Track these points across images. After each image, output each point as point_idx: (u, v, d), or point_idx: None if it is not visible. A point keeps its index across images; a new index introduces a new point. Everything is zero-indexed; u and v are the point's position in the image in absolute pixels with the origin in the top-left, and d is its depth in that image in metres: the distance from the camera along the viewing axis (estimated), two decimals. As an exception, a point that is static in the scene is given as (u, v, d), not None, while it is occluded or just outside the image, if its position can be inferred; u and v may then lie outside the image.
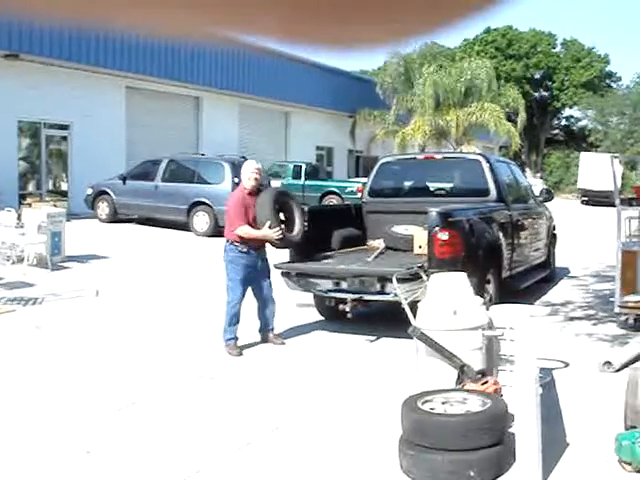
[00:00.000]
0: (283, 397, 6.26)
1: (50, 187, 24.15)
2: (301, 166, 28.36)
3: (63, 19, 0.48)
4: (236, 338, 7.72)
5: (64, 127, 23.63)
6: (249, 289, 7.89)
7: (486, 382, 5.35)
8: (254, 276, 7.82)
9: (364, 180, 15.01)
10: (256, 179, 7.87)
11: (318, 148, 36.42)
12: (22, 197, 21.20)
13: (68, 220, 14.79)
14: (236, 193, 8.17)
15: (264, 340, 8.04)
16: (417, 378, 5.45)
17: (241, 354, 7.62)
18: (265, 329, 8.04)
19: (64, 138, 23.98)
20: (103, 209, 20.85)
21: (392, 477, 4.54)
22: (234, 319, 7.71)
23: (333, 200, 25.94)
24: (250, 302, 7.91)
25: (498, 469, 4.48)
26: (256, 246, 7.79)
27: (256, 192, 7.90)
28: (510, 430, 4.63)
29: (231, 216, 7.86)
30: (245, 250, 7.72)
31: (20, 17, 0.48)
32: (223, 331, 7.72)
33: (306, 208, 9.25)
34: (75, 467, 4.70)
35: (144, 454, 4.92)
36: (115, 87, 24.76)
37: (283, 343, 7.99)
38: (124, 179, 20.53)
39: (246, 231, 7.64)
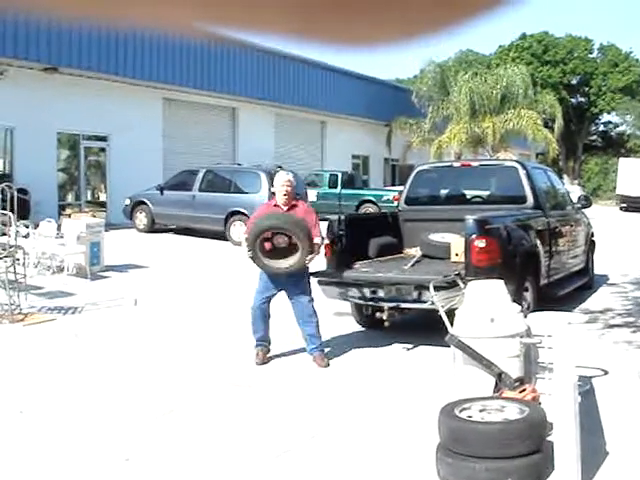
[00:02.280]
0: (321, 405, 6.27)
1: (89, 198, 24.45)
2: (337, 175, 28.39)
3: (67, 15, 0.49)
4: (260, 345, 7.67)
5: (102, 139, 23.92)
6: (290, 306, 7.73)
7: (524, 390, 5.31)
8: (281, 288, 7.63)
9: (400, 188, 14.99)
10: (287, 192, 7.67)
11: (354, 157, 36.44)
12: (62, 208, 21.49)
13: (106, 230, 14.95)
14: (265, 203, 8.19)
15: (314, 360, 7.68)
16: (454, 386, 5.43)
17: (264, 363, 7.56)
18: (308, 351, 7.72)
19: (102, 149, 24.26)
20: (141, 219, 21.03)
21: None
22: (253, 327, 7.67)
23: (369, 209, 25.91)
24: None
25: (536, 477, 4.45)
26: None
27: (288, 204, 7.68)
28: (549, 438, 4.60)
29: (250, 219, 8.08)
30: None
31: (24, 13, 0.49)
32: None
33: (343, 216, 9.27)
34: (114, 474, 4.75)
35: (182, 462, 4.96)
36: (152, 98, 25.01)
37: (327, 365, 7.56)
38: (162, 189, 20.70)
39: (242, 241, 7.79)
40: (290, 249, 7.41)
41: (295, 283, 7.59)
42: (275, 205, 7.75)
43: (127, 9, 0.51)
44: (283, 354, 7.92)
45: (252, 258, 7.45)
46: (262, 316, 7.62)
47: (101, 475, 4.75)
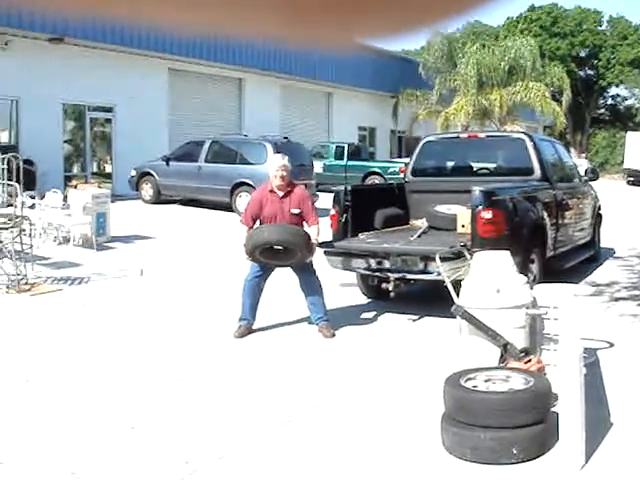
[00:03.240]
0: (325, 375, 6.29)
1: (95, 169, 24.42)
2: (343, 146, 28.35)
3: (62, 8, 0.48)
4: (244, 320, 7.54)
5: (108, 110, 23.84)
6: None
7: (529, 361, 5.32)
8: (271, 268, 7.62)
9: (406, 160, 14.94)
10: (282, 177, 7.48)
11: (360, 128, 36.31)
12: (67, 179, 21.46)
13: (112, 201, 14.96)
14: (260, 187, 7.97)
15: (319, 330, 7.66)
16: (460, 356, 5.43)
17: (242, 336, 7.42)
18: (314, 321, 7.68)
19: (108, 120, 24.19)
20: (147, 190, 21.01)
21: (434, 454, 4.55)
22: (242, 299, 7.56)
23: (376, 180, 25.90)
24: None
25: (541, 447, 4.47)
26: None
27: (284, 190, 7.52)
28: (553, 409, 4.61)
29: (245, 207, 7.99)
30: None
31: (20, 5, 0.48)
32: None
33: (349, 187, 9.25)
34: (119, 442, 4.78)
35: (188, 431, 4.98)
36: (158, 69, 24.89)
37: (333, 335, 7.53)
38: (167, 160, 20.66)
39: (243, 230, 7.56)
40: (289, 252, 7.34)
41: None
42: (270, 191, 7.54)
43: (114, 6, 0.51)
44: (288, 323, 7.93)
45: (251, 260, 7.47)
46: (252, 291, 7.52)
47: (106, 442, 4.77)
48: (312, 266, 7.63)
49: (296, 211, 7.50)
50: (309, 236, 7.38)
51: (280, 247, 7.32)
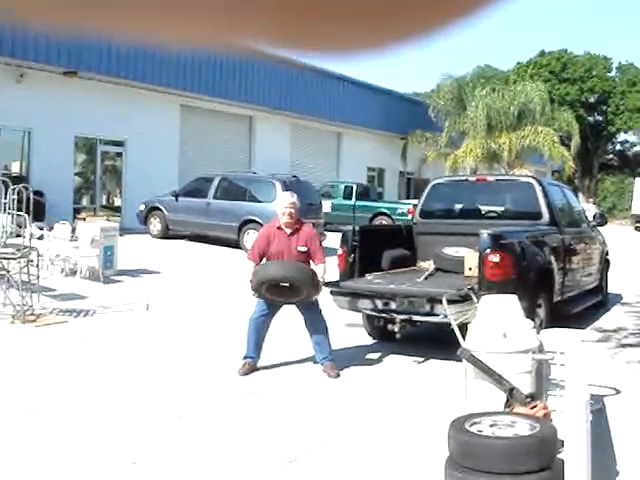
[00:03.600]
0: (329, 415, 6.25)
1: (104, 202, 24.54)
2: (352, 186, 28.45)
3: (61, 25, 0.48)
4: (247, 358, 7.53)
5: (119, 143, 24.02)
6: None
7: (535, 406, 5.27)
8: (278, 306, 7.59)
9: (415, 202, 14.98)
10: (290, 214, 7.49)
11: (369, 169, 36.45)
12: (76, 211, 21.55)
13: (121, 235, 14.99)
14: (268, 224, 7.97)
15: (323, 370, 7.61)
16: (465, 400, 5.39)
17: (246, 374, 7.41)
18: (318, 360, 7.65)
19: (119, 154, 24.36)
20: (155, 225, 21.07)
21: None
22: (247, 337, 7.54)
23: (383, 221, 25.93)
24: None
25: (546, 495, 4.41)
26: None
27: (292, 227, 7.53)
28: (559, 455, 4.56)
29: (253, 244, 7.97)
30: None
31: (20, 24, 0.48)
32: None
33: (357, 227, 9.26)
34: (120, 477, 4.74)
35: (189, 467, 4.94)
36: (170, 105, 25.11)
37: (338, 375, 7.48)
38: (176, 196, 20.74)
39: (251, 266, 7.53)
40: (295, 289, 7.31)
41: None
42: (278, 227, 7.55)
43: (109, 18, 0.50)
44: (293, 362, 7.90)
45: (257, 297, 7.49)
46: (257, 329, 7.52)
47: (108, 477, 4.74)
48: (318, 305, 7.59)
49: (303, 249, 7.47)
50: (315, 274, 7.36)
51: (286, 284, 7.25)
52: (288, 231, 7.49)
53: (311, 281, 7.28)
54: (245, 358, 7.52)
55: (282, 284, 7.29)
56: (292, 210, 7.47)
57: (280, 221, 7.54)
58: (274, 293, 7.33)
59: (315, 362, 7.68)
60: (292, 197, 7.68)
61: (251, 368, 7.50)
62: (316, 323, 7.54)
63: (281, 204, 7.64)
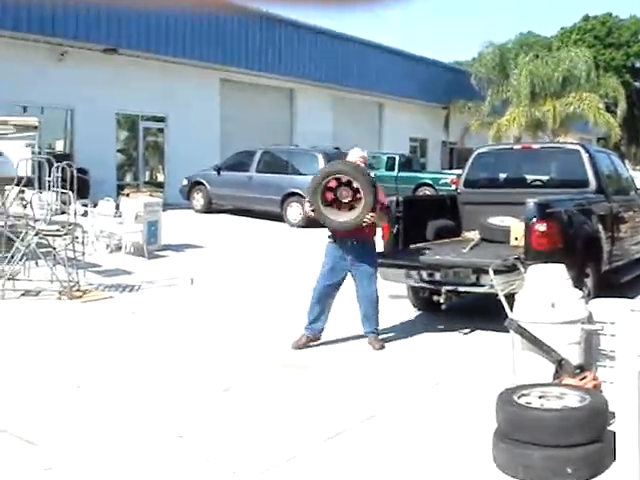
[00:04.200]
0: (375, 388, 6.22)
1: (147, 178, 24.74)
2: (395, 157, 28.28)
3: None
4: (308, 329, 7.45)
5: (160, 119, 24.16)
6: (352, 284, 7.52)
7: (585, 377, 5.19)
8: (345, 269, 7.41)
9: (458, 172, 14.82)
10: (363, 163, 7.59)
11: (412, 140, 36.23)
12: (120, 187, 21.73)
13: (164, 210, 15.07)
14: None
15: (369, 342, 7.51)
16: (513, 372, 5.33)
17: (301, 348, 7.34)
18: (364, 332, 7.54)
19: (160, 130, 24.48)
20: (198, 200, 21.18)
21: (486, 471, 4.45)
22: (311, 308, 7.46)
23: (427, 192, 25.75)
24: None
25: (596, 468, 4.34)
26: (342, 234, 7.38)
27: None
28: (610, 428, 4.48)
29: None
30: (331, 238, 7.49)
31: None
32: None
33: (401, 198, 9.17)
34: (167, 450, 4.76)
35: (236, 440, 4.95)
36: (210, 79, 25.14)
37: (382, 347, 7.42)
38: (219, 170, 20.81)
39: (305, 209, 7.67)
40: (352, 204, 7.22)
41: (362, 260, 7.40)
42: None
43: None
44: (339, 334, 7.86)
45: (313, 209, 7.37)
46: (320, 301, 7.44)
47: (154, 450, 4.76)
48: (375, 273, 7.54)
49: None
50: (376, 187, 7.35)
51: (346, 183, 7.21)
52: None
53: (371, 186, 7.19)
54: (306, 329, 7.48)
55: (342, 183, 7.22)
56: (362, 164, 7.54)
57: None
58: (331, 206, 7.28)
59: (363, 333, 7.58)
60: (363, 151, 7.77)
61: (308, 341, 7.43)
62: (369, 295, 7.40)
63: (352, 157, 7.63)
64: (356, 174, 7.21)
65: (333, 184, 7.25)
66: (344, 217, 7.24)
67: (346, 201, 7.24)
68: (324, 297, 7.44)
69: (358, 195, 7.18)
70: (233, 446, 4.85)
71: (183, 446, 4.84)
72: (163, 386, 6.16)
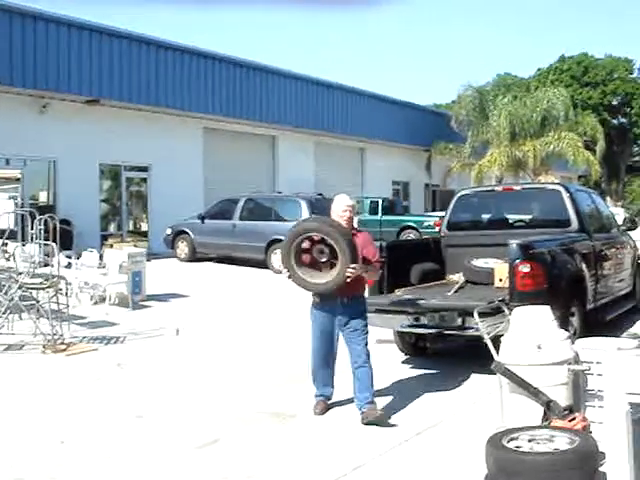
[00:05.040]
0: (364, 435, 6.17)
1: (130, 228, 24.67)
2: (378, 201, 28.43)
3: None
4: (321, 396, 6.87)
5: (143, 169, 24.18)
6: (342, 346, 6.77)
7: (574, 419, 5.16)
8: (335, 330, 6.67)
9: (441, 214, 14.89)
10: (348, 219, 6.69)
11: (394, 183, 36.40)
12: (104, 238, 21.68)
13: (148, 260, 15.03)
14: None
15: (362, 417, 6.49)
16: (501, 415, 5.30)
17: (322, 413, 6.73)
18: (362, 403, 6.56)
19: (144, 180, 24.50)
20: (182, 248, 21.15)
21: None
22: (315, 374, 6.88)
23: (411, 235, 25.83)
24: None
25: (589, 510, 4.31)
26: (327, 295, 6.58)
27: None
28: (600, 469, 4.45)
29: None
30: (316, 297, 6.73)
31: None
32: None
33: (384, 243, 9.19)
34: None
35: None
36: (193, 128, 25.27)
37: (379, 415, 6.45)
38: (202, 218, 20.84)
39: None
40: (333, 261, 6.42)
41: (353, 318, 6.65)
42: None
43: None
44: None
45: (287, 269, 6.58)
46: (322, 364, 6.82)
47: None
48: (367, 332, 6.78)
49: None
50: (356, 244, 6.48)
51: (320, 242, 6.41)
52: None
53: (349, 242, 6.38)
54: (318, 397, 6.91)
55: (316, 241, 6.44)
56: (350, 214, 6.73)
57: None
58: (308, 267, 6.53)
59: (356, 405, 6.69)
60: (349, 200, 6.91)
61: (325, 405, 6.87)
62: (362, 356, 6.62)
63: (338, 207, 6.77)
64: (326, 229, 6.43)
65: (307, 244, 6.52)
66: (325, 277, 6.47)
67: (324, 260, 6.47)
68: (325, 362, 6.82)
69: (335, 255, 6.41)
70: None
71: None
72: (151, 439, 6.09)
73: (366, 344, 6.69)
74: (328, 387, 6.91)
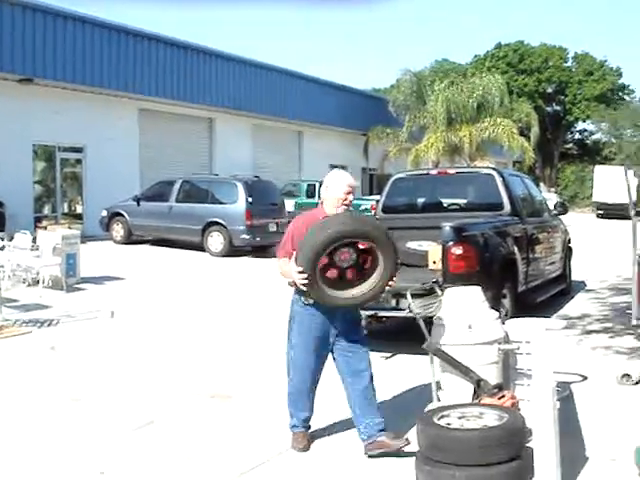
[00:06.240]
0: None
1: (65, 210, 24.28)
2: (315, 185, 28.47)
3: None
4: (303, 427, 5.46)
5: (78, 150, 23.80)
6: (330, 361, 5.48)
7: (503, 396, 5.29)
8: (329, 339, 5.31)
9: (378, 198, 14.99)
10: (349, 202, 5.32)
11: (332, 166, 36.31)
12: (37, 220, 21.31)
13: (83, 242, 14.85)
14: (306, 214, 5.51)
15: (370, 448, 5.24)
16: (434, 394, 5.40)
17: (308, 449, 5.38)
18: (366, 435, 5.29)
19: (78, 161, 24.13)
20: (118, 231, 20.94)
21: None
22: (294, 403, 5.47)
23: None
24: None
25: (517, 484, 4.43)
26: None
27: None
28: (528, 445, 4.58)
29: (285, 238, 5.39)
30: (311, 302, 5.24)
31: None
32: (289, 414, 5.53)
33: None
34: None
35: (159, 475, 4.89)
36: (129, 110, 24.94)
37: (408, 443, 5.12)
38: (138, 200, 20.65)
39: (280, 265, 5.27)
40: (361, 272, 5.20)
41: (354, 323, 5.47)
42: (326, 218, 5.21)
43: None
44: (267, 363, 7.84)
45: (309, 287, 5.02)
46: (312, 383, 5.42)
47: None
48: (367, 342, 5.57)
49: None
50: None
51: (350, 245, 5.05)
52: None
53: (391, 242, 5.23)
54: (300, 428, 5.47)
55: (343, 245, 5.02)
56: (351, 196, 5.36)
57: (331, 208, 5.29)
58: (334, 282, 5.12)
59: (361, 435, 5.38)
60: (352, 178, 5.51)
61: (307, 438, 5.47)
62: (365, 378, 5.44)
63: (339, 187, 5.31)
64: (366, 229, 5.08)
65: (343, 256, 5.08)
66: (353, 291, 5.16)
67: (348, 265, 5.12)
68: (315, 382, 5.45)
69: (369, 258, 5.19)
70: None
71: (104, 482, 4.77)
72: (88, 422, 6.04)
73: (369, 361, 5.50)
74: (308, 412, 5.48)
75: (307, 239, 4.96)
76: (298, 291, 5.23)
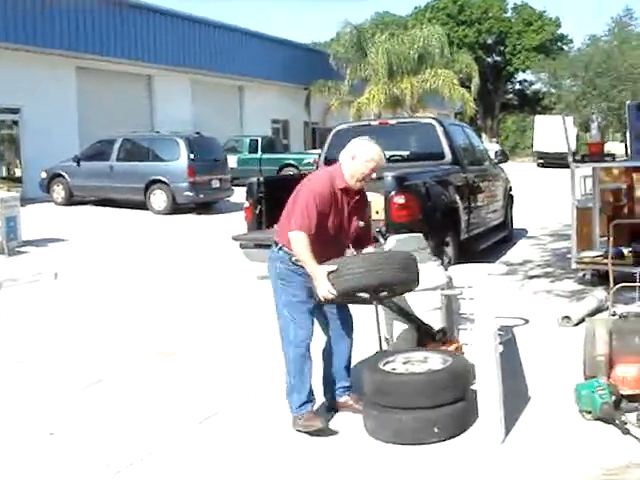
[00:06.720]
0: (249, 366, 6.24)
1: (3, 173, 23.82)
2: (257, 140, 28.33)
3: None
4: (311, 401, 4.86)
5: (14, 111, 23.22)
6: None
7: (447, 341, 5.39)
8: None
9: (320, 152, 14.97)
10: (372, 174, 4.83)
11: (274, 121, 36.26)
12: (-26, 184, 20.89)
13: (23, 205, 14.61)
14: (324, 180, 4.84)
15: (332, 407, 5.11)
16: (379, 341, 5.45)
17: (326, 426, 4.75)
18: (338, 391, 5.14)
19: (15, 122, 23.60)
20: (58, 192, 20.63)
21: (357, 439, 4.56)
22: (302, 372, 4.85)
23: (291, 172, 25.87)
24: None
25: (461, 425, 4.52)
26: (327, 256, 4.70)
27: (361, 191, 4.91)
28: (472, 387, 4.67)
29: (297, 210, 4.84)
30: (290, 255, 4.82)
31: None
32: (287, 394, 4.90)
33: (261, 179, 9.19)
34: (37, 449, 4.65)
35: (109, 433, 4.88)
36: (65, 68, 24.38)
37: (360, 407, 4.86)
38: (78, 161, 20.33)
39: (300, 243, 4.63)
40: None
41: None
42: (343, 189, 4.78)
43: None
44: (210, 319, 7.84)
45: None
46: (308, 359, 4.89)
47: (24, 450, 4.64)
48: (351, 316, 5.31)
49: (362, 224, 4.97)
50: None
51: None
52: (356, 197, 4.88)
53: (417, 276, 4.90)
54: (308, 404, 4.83)
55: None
56: (374, 173, 4.87)
57: (348, 177, 4.79)
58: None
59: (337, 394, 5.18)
60: (382, 153, 4.90)
61: (315, 414, 4.82)
62: (349, 328, 5.23)
63: (367, 161, 4.76)
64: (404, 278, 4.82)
65: None
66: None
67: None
68: (304, 349, 4.90)
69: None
70: (105, 439, 4.78)
71: (54, 443, 4.74)
72: (32, 383, 5.99)
73: (349, 317, 5.27)
74: (310, 386, 4.88)
75: (343, 270, 4.59)
76: (284, 250, 4.85)
